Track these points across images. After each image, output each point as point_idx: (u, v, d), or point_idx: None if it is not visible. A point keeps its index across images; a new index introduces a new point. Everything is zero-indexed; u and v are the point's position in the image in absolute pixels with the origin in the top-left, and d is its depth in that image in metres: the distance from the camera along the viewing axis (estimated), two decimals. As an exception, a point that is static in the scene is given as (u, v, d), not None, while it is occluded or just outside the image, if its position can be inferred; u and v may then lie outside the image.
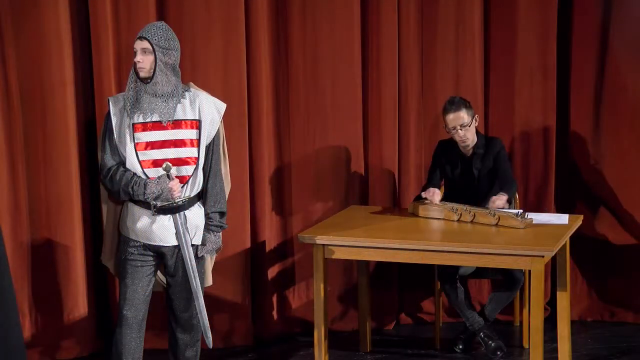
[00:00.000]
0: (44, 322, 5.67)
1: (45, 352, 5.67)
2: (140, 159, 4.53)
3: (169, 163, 4.49)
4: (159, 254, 4.64)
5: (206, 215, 4.68)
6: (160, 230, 4.57)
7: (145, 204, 4.55)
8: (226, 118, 4.87)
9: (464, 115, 5.55)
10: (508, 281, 5.61)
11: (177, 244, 4.59)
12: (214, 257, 4.88)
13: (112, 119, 4.57)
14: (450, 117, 5.57)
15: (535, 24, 6.18)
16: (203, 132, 4.60)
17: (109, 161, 4.59)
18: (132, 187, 4.52)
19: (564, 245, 5.29)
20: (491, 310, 5.68)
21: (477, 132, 5.67)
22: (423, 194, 5.57)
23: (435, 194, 5.53)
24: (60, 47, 5.49)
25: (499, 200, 5.35)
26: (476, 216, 5.29)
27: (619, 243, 6.29)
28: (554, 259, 5.41)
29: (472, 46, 6.20)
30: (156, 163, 4.53)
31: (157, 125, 4.55)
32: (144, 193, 4.49)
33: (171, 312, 4.72)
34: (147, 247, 4.60)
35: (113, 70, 5.58)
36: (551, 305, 6.02)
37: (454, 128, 5.57)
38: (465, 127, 5.56)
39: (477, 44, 6.21)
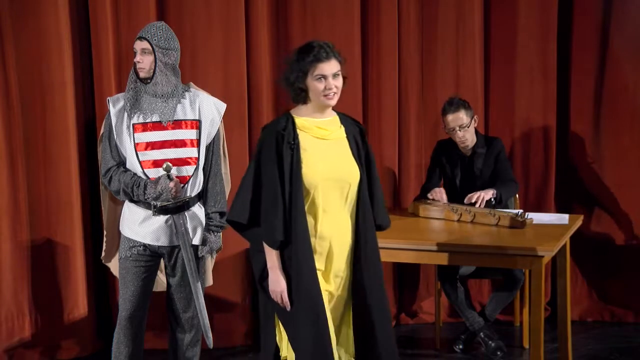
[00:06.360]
0: (44, 322, 5.67)
1: (45, 352, 5.67)
2: (141, 160, 4.53)
3: (169, 163, 4.48)
4: (159, 254, 4.63)
5: (206, 215, 4.68)
6: (161, 231, 4.56)
7: (146, 204, 4.55)
8: (226, 118, 4.87)
9: (462, 116, 5.56)
10: (508, 281, 5.61)
11: (177, 244, 4.58)
12: (214, 257, 4.88)
13: (112, 119, 4.57)
14: (450, 118, 5.58)
15: (536, 24, 6.19)
16: (203, 132, 4.60)
17: (109, 161, 4.58)
18: (132, 188, 4.51)
19: (564, 246, 5.29)
20: (491, 310, 5.68)
21: (477, 132, 5.68)
22: (429, 195, 5.56)
23: (442, 194, 5.53)
24: (60, 47, 5.49)
25: (477, 195, 5.34)
26: (476, 216, 5.29)
27: (619, 243, 6.29)
28: (554, 259, 5.41)
29: (472, 46, 6.20)
30: (156, 163, 4.52)
31: (157, 126, 4.54)
32: (144, 193, 4.49)
33: (171, 312, 4.72)
34: (148, 247, 4.59)
35: (113, 70, 5.58)
36: (551, 305, 6.02)
37: (453, 129, 5.58)
38: (464, 128, 5.57)
39: (477, 44, 6.21)
